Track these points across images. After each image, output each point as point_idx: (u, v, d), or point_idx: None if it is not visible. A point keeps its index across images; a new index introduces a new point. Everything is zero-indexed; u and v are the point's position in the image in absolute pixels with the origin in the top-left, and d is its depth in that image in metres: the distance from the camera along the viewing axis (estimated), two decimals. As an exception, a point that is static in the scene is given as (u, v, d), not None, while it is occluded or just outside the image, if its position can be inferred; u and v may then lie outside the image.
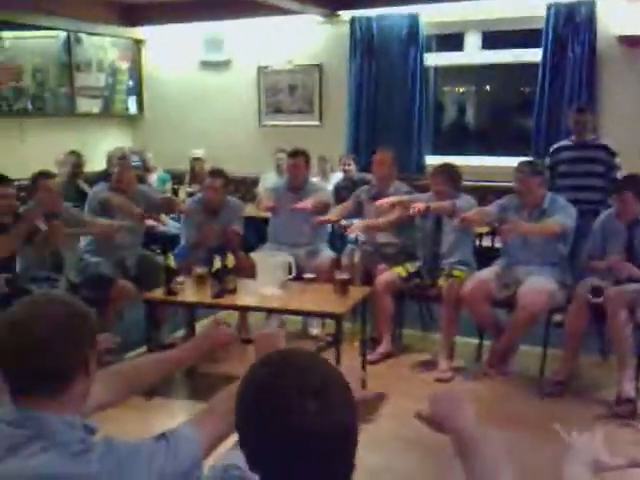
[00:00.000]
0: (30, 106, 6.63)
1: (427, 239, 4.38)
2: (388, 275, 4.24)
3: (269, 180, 6.27)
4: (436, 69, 6.77)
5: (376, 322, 4.35)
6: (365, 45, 6.63)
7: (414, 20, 6.41)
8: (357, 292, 3.82)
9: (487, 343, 4.25)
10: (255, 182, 6.83)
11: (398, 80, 6.56)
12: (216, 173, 4.73)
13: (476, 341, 4.36)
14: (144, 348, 3.95)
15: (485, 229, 5.03)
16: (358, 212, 4.83)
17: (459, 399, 1.32)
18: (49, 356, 1.23)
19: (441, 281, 4.17)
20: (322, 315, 4.02)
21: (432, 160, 6.38)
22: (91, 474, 1.19)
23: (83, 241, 4.59)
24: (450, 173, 4.35)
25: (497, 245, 4.84)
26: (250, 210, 5.55)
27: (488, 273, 4.09)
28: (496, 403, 3.70)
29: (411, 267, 4.35)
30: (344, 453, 1.02)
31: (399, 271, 4.28)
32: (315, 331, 4.68)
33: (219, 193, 4.64)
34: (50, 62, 6.84)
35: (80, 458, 1.20)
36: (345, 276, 3.76)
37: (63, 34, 6.84)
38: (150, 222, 5.27)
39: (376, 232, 4.55)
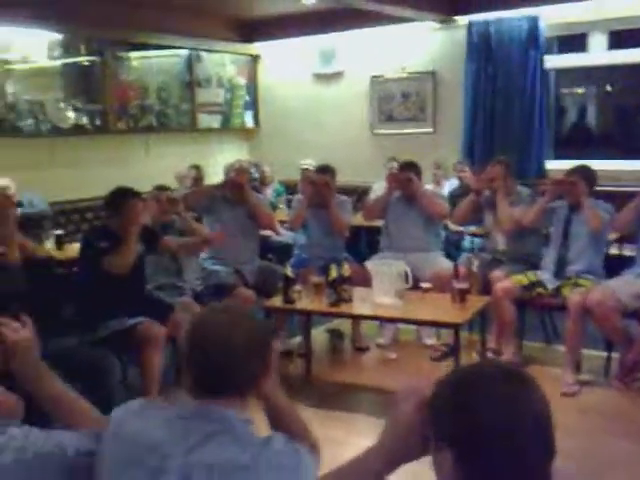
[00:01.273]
0: (155, 122, 7.01)
1: (554, 244, 4.18)
2: (508, 283, 4.09)
3: (380, 190, 6.25)
4: (556, 71, 6.52)
5: (496, 332, 4.21)
6: (482, 49, 6.49)
7: (534, 22, 6.19)
8: (476, 301, 3.72)
9: (616, 356, 4.00)
10: (366, 191, 6.84)
11: (516, 84, 6.36)
12: (324, 169, 4.79)
13: (604, 354, 4.12)
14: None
15: (614, 235, 4.74)
16: (477, 219, 4.71)
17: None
18: (243, 363, 1.33)
19: (566, 290, 3.97)
20: (440, 325, 3.94)
21: (553, 165, 6.12)
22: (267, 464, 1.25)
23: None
24: (587, 175, 4.13)
25: (626, 253, 4.56)
26: (361, 219, 5.55)
27: (618, 282, 3.85)
28: (625, 417, 3.48)
29: (532, 276, 4.17)
30: None
31: (520, 279, 4.12)
32: (430, 341, 4.60)
33: (328, 187, 4.67)
34: (173, 80, 7.20)
35: (257, 451, 1.26)
36: (464, 285, 3.67)
37: (185, 53, 7.18)
38: (265, 232, 5.37)
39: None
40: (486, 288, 4.24)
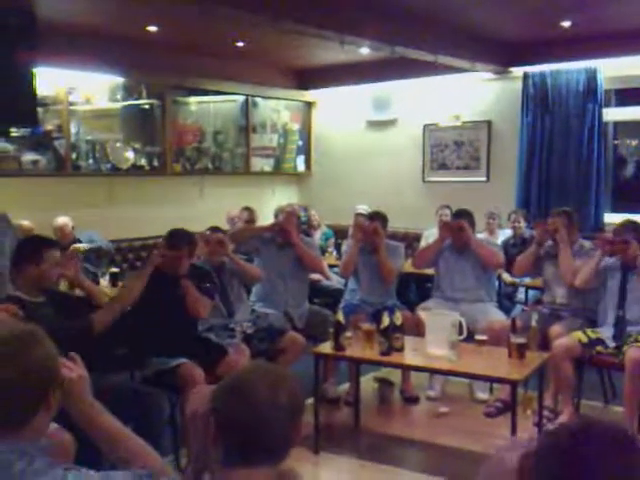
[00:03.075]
0: (210, 165, 7.14)
1: (611, 303, 4.05)
2: (568, 340, 3.95)
3: (431, 237, 6.20)
4: (614, 123, 6.43)
5: (553, 390, 4.06)
6: (538, 100, 6.47)
7: (592, 74, 6.15)
8: (534, 358, 3.58)
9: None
10: (417, 238, 6.79)
11: (573, 136, 6.30)
12: (374, 215, 4.82)
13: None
14: (311, 400, 3.96)
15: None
16: (535, 271, 4.61)
17: None
18: (285, 427, 1.27)
19: (626, 348, 3.81)
20: (497, 380, 3.81)
21: (611, 218, 5.98)
22: None
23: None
24: (636, 230, 4.02)
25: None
26: (411, 267, 5.49)
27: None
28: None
29: (592, 333, 4.02)
30: None
31: (579, 337, 3.98)
32: (483, 396, 4.46)
33: (378, 233, 4.66)
34: (229, 124, 7.36)
35: None
36: (522, 340, 3.55)
37: (242, 98, 7.35)
38: (314, 276, 5.35)
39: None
40: (544, 342, 4.10)
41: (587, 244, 4.46)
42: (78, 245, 5.41)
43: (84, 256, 5.38)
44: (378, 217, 4.80)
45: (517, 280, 5.29)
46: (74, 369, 1.53)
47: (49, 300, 3.10)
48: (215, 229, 4.39)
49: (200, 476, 1.33)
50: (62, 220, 5.42)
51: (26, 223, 5.05)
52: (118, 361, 3.69)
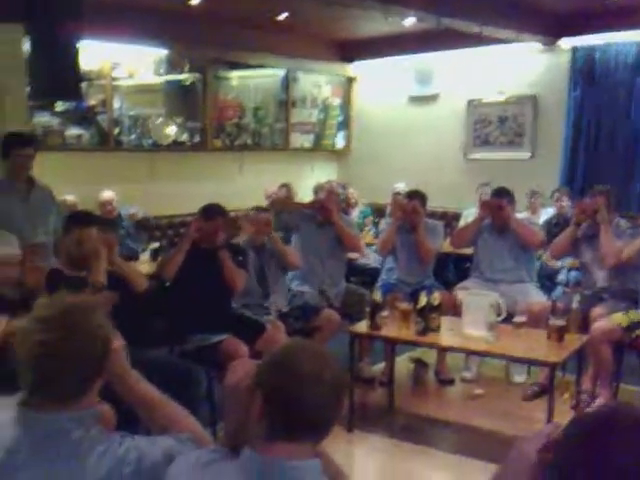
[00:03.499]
0: (250, 141, 7.15)
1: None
2: (607, 323, 3.86)
3: (470, 216, 6.10)
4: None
5: (592, 374, 3.98)
6: (586, 74, 6.29)
7: (642, 47, 5.93)
8: (574, 341, 3.52)
9: None
10: (456, 217, 6.70)
11: (622, 112, 6.12)
12: (414, 194, 4.74)
13: None
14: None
15: None
16: (573, 252, 4.50)
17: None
18: (332, 405, 1.28)
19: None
20: (535, 363, 3.76)
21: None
22: None
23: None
24: None
25: None
26: (450, 246, 5.42)
27: None
28: None
29: (635, 315, 3.92)
30: None
31: (620, 320, 3.88)
32: (520, 378, 4.41)
33: (417, 212, 4.61)
34: (269, 99, 7.33)
35: None
36: (561, 323, 3.49)
37: (282, 73, 7.30)
38: (352, 254, 5.34)
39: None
40: (585, 324, 4.02)
41: (623, 223, 4.32)
42: (133, 210, 5.52)
43: (125, 232, 5.48)
44: (417, 195, 4.75)
45: (559, 262, 5.18)
46: (115, 339, 1.57)
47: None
48: (261, 209, 4.39)
49: (238, 449, 1.35)
50: (107, 195, 5.51)
51: (70, 198, 5.15)
52: (157, 336, 3.76)
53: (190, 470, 1.30)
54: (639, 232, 4.25)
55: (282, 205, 4.81)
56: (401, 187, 6.57)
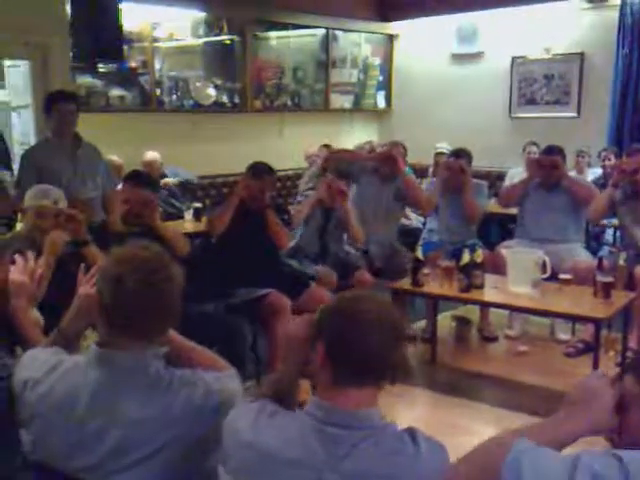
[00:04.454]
0: (289, 102, 7.12)
1: None
2: (655, 281, 3.79)
3: (516, 176, 6.00)
4: None
5: (638, 332, 3.92)
6: (636, 31, 6.06)
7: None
8: (620, 298, 3.47)
9: None
10: (501, 177, 6.60)
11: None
12: (459, 153, 4.68)
13: None
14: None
15: None
16: (611, 213, 4.40)
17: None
18: (391, 350, 1.29)
19: None
20: (581, 319, 3.72)
21: None
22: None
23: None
24: None
25: None
26: (493, 206, 5.35)
27: None
28: None
29: (682, 274, 3.84)
30: None
31: (668, 278, 3.81)
32: (564, 336, 4.37)
33: (464, 172, 4.54)
34: (308, 60, 7.27)
35: (409, 462, 1.24)
36: (608, 279, 3.44)
37: (321, 32, 7.22)
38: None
39: None
40: (630, 285, 3.95)
41: None
42: (167, 179, 5.56)
43: (170, 191, 5.55)
44: (463, 154, 4.67)
45: (605, 221, 5.08)
46: None
47: (144, 231, 3.20)
48: (340, 174, 4.28)
49: (284, 401, 1.37)
50: (151, 155, 5.57)
51: (115, 158, 5.22)
52: (203, 292, 3.82)
53: (256, 422, 1.31)
54: None
55: (339, 157, 4.69)
56: (444, 147, 6.47)
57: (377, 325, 1.27)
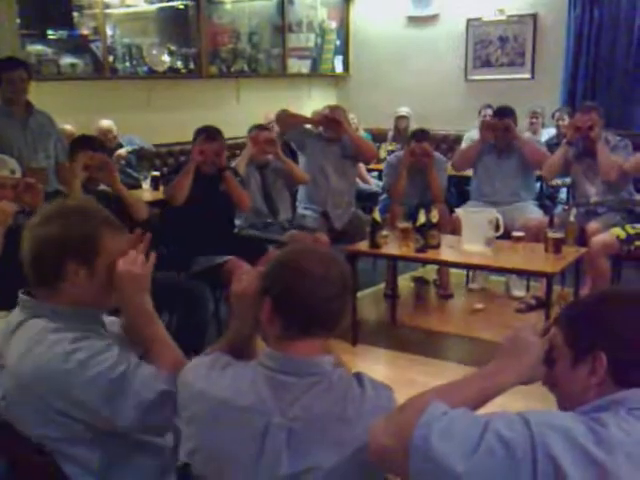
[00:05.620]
0: (246, 67, 7.04)
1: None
2: (605, 236, 3.92)
3: (472, 138, 6.07)
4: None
5: (590, 287, 4.06)
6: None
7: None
8: (571, 253, 3.59)
9: None
10: (458, 139, 6.67)
11: (624, 30, 6.02)
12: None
13: None
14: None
15: None
16: (566, 171, 4.52)
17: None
18: (339, 301, 1.32)
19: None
20: (531, 274, 3.84)
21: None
22: None
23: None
24: None
25: None
26: (449, 170, 5.42)
27: None
28: None
29: (631, 229, 3.97)
30: None
31: (618, 233, 3.94)
32: (518, 293, 4.50)
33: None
34: (264, 24, 7.17)
35: (358, 405, 1.28)
36: (559, 235, 3.55)
37: (277, -5, 7.11)
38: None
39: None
40: (581, 241, 4.08)
41: (611, 137, 4.30)
42: (121, 150, 5.49)
43: (126, 161, 5.47)
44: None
45: (559, 180, 5.20)
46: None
47: (96, 198, 3.18)
48: (262, 127, 4.37)
49: (239, 356, 1.40)
50: (105, 123, 5.47)
51: (68, 127, 5.12)
52: (164, 261, 3.81)
53: (209, 373, 1.33)
54: (629, 144, 4.26)
55: (287, 120, 4.68)
56: (404, 111, 6.51)
57: (323, 277, 1.29)
